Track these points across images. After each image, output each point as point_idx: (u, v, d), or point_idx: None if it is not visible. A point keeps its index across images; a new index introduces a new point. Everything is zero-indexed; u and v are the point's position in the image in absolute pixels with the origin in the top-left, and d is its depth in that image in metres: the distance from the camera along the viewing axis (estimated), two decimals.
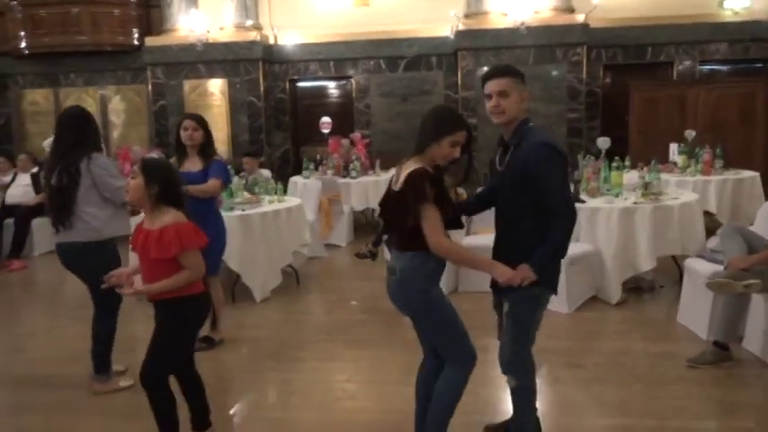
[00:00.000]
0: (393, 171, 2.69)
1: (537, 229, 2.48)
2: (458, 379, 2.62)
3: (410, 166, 2.51)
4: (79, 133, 3.59)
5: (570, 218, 2.53)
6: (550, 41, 9.36)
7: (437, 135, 2.49)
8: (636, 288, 5.25)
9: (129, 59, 10.67)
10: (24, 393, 3.77)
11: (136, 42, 10.53)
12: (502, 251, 2.64)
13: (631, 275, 5.00)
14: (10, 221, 7.39)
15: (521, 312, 2.62)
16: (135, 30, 10.56)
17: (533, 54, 9.42)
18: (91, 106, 10.86)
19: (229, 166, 6.15)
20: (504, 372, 2.72)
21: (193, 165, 4.06)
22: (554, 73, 9.46)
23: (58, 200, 3.52)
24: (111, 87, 10.97)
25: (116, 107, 11.02)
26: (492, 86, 2.61)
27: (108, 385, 3.72)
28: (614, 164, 5.36)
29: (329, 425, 3.28)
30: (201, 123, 4.18)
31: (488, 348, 3.99)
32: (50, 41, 10.31)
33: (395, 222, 2.62)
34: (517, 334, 2.65)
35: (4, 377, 4.08)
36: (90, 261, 3.54)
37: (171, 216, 2.72)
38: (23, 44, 10.42)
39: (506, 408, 3.01)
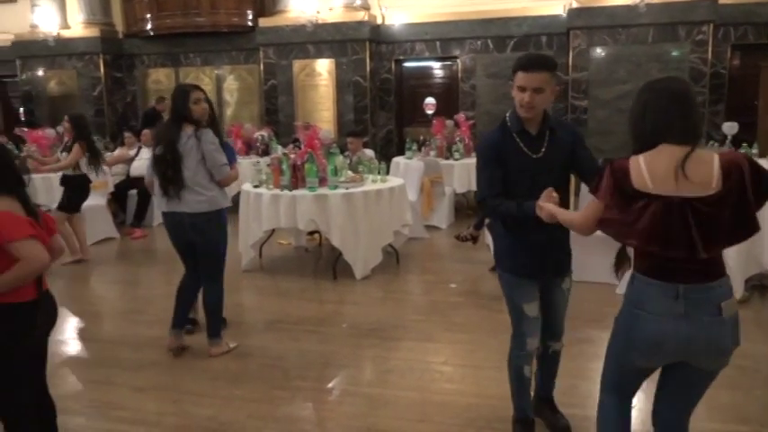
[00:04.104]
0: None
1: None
2: None
3: (712, 156, 1.93)
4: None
5: None
6: (672, 19, 8.75)
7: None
8: (761, 286, 4.85)
9: (243, 40, 11.08)
10: (142, 352, 4.04)
11: (250, 23, 10.92)
12: (556, 230, 2.50)
13: (756, 273, 4.63)
14: (134, 192, 7.94)
15: None
16: (249, 11, 10.93)
17: (653, 33, 8.85)
18: (207, 85, 11.44)
19: (334, 145, 6.30)
20: (557, 339, 2.92)
21: None
22: (674, 53, 8.85)
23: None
24: (226, 67, 11.46)
25: (230, 86, 11.51)
26: (528, 81, 2.52)
27: (222, 347, 3.99)
28: (741, 150, 4.96)
29: (426, 405, 3.28)
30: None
31: (593, 340, 3.86)
32: (172, 23, 10.90)
33: (730, 234, 1.93)
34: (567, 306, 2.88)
35: (125, 336, 4.41)
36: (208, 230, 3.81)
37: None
38: (149, 26, 11.10)
39: None
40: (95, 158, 6.21)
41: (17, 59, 11.81)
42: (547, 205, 2.37)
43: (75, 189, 6.31)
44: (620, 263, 2.24)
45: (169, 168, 3.69)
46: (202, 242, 3.83)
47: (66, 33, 11.51)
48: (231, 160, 4.32)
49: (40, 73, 11.78)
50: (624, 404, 2.28)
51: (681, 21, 8.72)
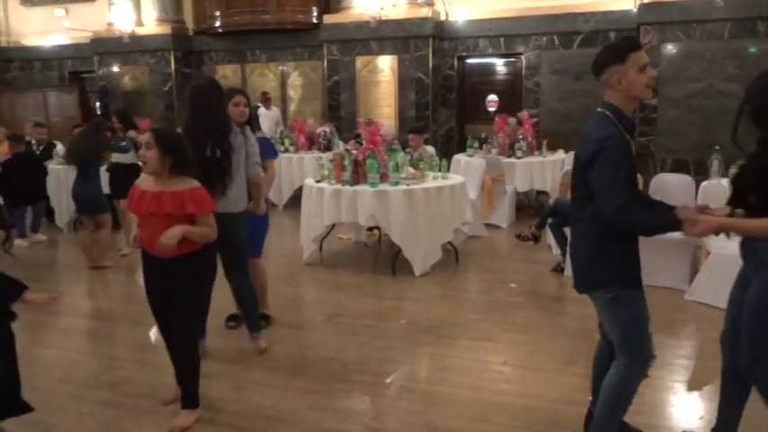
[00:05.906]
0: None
1: None
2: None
3: None
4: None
5: None
6: (751, 13, 8.34)
7: None
8: None
9: (307, 37, 11.25)
10: (209, 339, 4.15)
11: (314, 20, 11.07)
12: None
13: None
14: None
15: None
16: (314, 8, 11.10)
17: (729, 28, 8.48)
18: (272, 81, 11.69)
19: (396, 142, 6.32)
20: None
21: None
22: (752, 50, 8.44)
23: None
24: (290, 63, 11.67)
25: (294, 82, 11.72)
26: (646, 57, 2.40)
27: (264, 341, 3.99)
28: None
29: (484, 405, 3.26)
30: None
31: (658, 347, 3.74)
32: (240, 20, 11.18)
33: None
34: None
35: None
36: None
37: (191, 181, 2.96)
38: (218, 23, 11.42)
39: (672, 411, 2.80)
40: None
41: (95, 56, 12.39)
42: (714, 219, 2.30)
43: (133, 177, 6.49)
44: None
45: (225, 159, 3.56)
46: (232, 241, 3.69)
47: (140, 31, 11.97)
48: (270, 156, 4.24)
49: (116, 69, 12.30)
50: None
51: (760, 15, 8.31)
